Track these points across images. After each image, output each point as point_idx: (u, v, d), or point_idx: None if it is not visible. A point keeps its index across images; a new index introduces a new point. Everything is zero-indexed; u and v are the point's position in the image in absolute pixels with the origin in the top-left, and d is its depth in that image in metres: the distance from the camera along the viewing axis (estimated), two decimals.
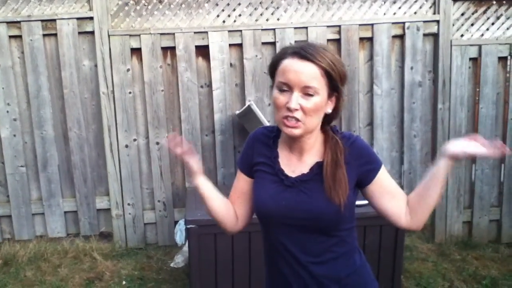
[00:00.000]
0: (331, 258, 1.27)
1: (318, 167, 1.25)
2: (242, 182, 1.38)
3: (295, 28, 3.47)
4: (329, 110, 1.23)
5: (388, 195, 1.27)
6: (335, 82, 1.19)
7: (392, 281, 2.80)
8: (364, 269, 1.34)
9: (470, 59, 3.51)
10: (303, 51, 1.16)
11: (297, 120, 1.17)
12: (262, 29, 3.47)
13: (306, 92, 1.16)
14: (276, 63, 1.22)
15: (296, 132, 1.19)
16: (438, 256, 3.41)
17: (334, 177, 1.21)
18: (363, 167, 1.25)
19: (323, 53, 1.16)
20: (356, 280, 1.31)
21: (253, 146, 1.35)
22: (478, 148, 1.17)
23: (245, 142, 1.39)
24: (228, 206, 1.39)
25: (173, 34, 3.45)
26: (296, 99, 1.16)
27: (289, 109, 1.16)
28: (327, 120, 1.27)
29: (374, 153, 1.30)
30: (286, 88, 1.18)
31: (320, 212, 1.22)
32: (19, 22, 3.41)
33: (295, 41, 3.47)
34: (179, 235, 3.23)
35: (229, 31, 3.46)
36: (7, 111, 3.50)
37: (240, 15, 3.49)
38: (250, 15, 3.49)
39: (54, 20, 3.42)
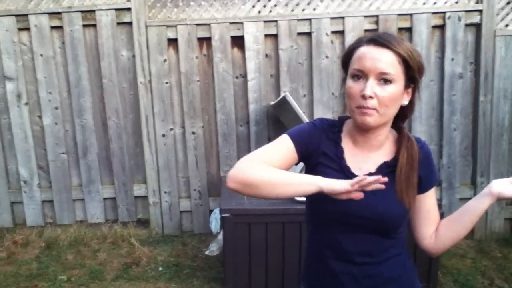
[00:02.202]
0: (386, 258, 1.24)
1: (386, 167, 1.21)
2: (287, 155, 1.22)
3: (331, 18, 3.42)
4: (405, 102, 1.19)
5: (425, 214, 1.26)
6: (413, 72, 1.15)
7: (429, 276, 2.76)
8: (412, 269, 1.33)
9: None
10: (379, 38, 1.13)
11: (372, 108, 1.12)
12: (298, 20, 3.43)
13: (382, 79, 1.12)
14: (350, 52, 1.18)
15: (370, 120, 1.14)
16: (477, 252, 3.32)
17: (408, 180, 1.18)
18: (422, 177, 1.23)
19: (400, 41, 1.13)
20: (406, 280, 1.29)
21: (320, 134, 1.25)
22: None
23: (310, 124, 1.28)
24: None
25: (209, 24, 3.47)
26: (371, 87, 1.11)
27: (363, 97, 1.12)
28: (401, 115, 1.22)
29: (435, 166, 1.28)
30: (361, 75, 1.14)
31: (388, 214, 1.19)
32: (60, 13, 3.50)
33: (332, 32, 3.43)
34: (214, 223, 3.27)
35: (265, 21, 3.45)
36: (49, 100, 3.62)
37: (275, 5, 3.47)
38: (286, 5, 3.46)
39: (94, 11, 3.49)
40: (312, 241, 1.33)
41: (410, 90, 1.19)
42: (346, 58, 1.20)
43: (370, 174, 1.20)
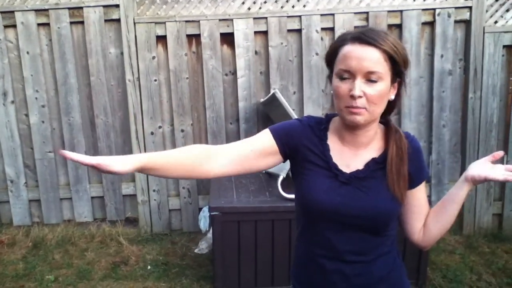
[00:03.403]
0: (376, 257, 1.24)
1: (374, 164, 1.20)
2: (263, 143, 1.23)
3: (321, 15, 3.41)
4: (392, 97, 1.18)
5: (416, 209, 1.26)
6: (399, 67, 1.13)
7: (418, 273, 2.76)
8: (402, 267, 1.33)
9: (504, 46, 3.38)
10: (364, 36, 1.10)
11: (361, 107, 1.11)
12: (287, 16, 3.42)
13: (370, 78, 1.10)
14: (335, 51, 1.16)
15: (360, 119, 1.12)
16: (466, 248, 3.33)
17: (398, 173, 1.17)
18: (412, 172, 1.21)
19: (385, 37, 1.10)
20: (395, 276, 1.29)
21: (306, 130, 1.25)
22: (497, 172, 1.13)
23: (296, 120, 1.28)
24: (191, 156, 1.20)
25: (198, 21, 3.44)
26: (359, 86, 1.10)
27: (352, 97, 1.10)
28: (388, 109, 1.21)
29: (425, 161, 1.27)
30: (348, 75, 1.11)
31: (378, 212, 1.18)
32: (47, 10, 3.46)
33: (322, 29, 3.42)
34: (203, 221, 3.24)
35: (254, 18, 3.43)
36: (36, 98, 3.57)
37: (265, 2, 3.45)
38: (275, 1, 3.44)
39: (81, 7, 3.45)
40: (302, 239, 1.32)
41: (396, 84, 1.18)
42: (331, 56, 1.18)
43: (358, 171, 1.20)
